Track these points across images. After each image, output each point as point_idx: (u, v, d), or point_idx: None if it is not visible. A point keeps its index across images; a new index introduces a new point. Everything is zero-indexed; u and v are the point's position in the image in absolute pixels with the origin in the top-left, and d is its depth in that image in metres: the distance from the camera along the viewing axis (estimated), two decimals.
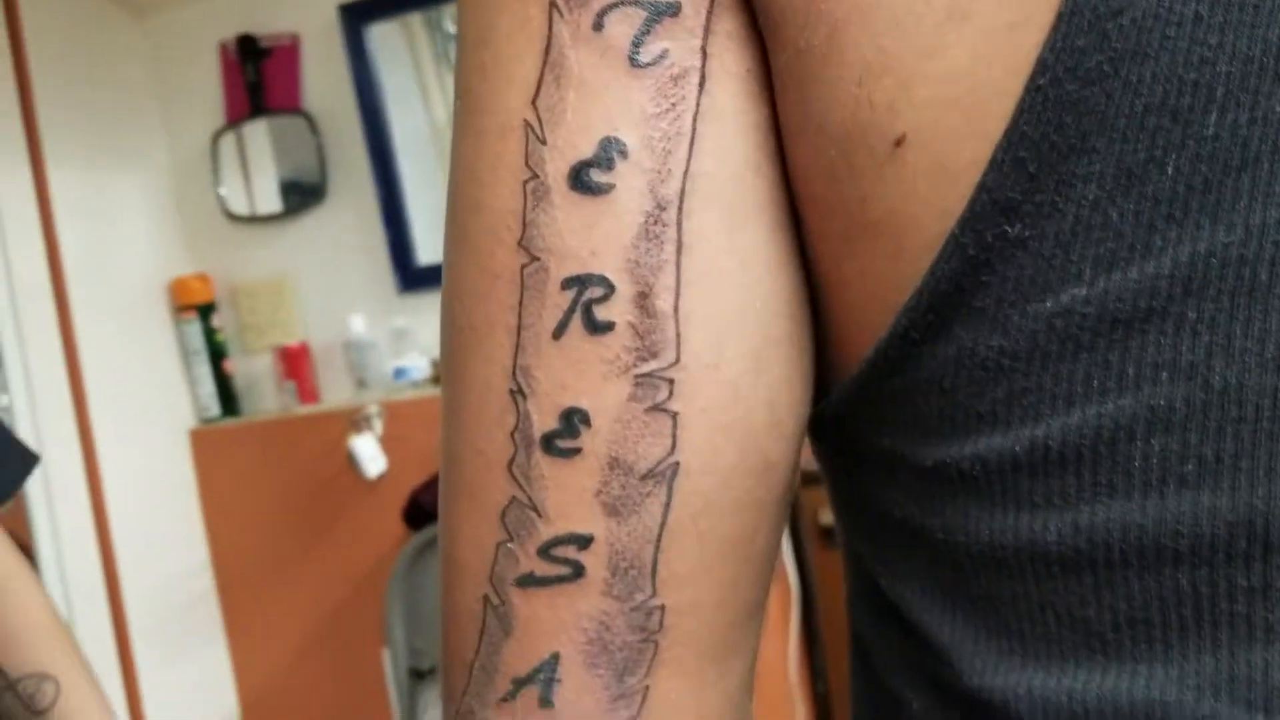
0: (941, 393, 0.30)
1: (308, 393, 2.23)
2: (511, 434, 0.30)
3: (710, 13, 0.29)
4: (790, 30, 0.28)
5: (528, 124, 0.29)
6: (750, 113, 0.30)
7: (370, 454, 2.08)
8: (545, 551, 0.30)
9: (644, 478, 0.29)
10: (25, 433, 1.82)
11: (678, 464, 0.29)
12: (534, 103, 0.29)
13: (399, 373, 2.14)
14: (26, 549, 1.77)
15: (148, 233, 2.25)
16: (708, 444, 0.30)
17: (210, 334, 2.25)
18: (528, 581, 0.30)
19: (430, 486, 2.04)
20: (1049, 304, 0.28)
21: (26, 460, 1.08)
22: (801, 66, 0.29)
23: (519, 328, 0.29)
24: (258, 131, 2.25)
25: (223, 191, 2.26)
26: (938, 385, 0.30)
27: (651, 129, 0.28)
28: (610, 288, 0.29)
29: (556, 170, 0.29)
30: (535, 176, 0.29)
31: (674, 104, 0.29)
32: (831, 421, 0.34)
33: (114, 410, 2.05)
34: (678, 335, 0.29)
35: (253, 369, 2.31)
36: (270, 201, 2.27)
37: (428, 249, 2.18)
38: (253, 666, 2.29)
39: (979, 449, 0.30)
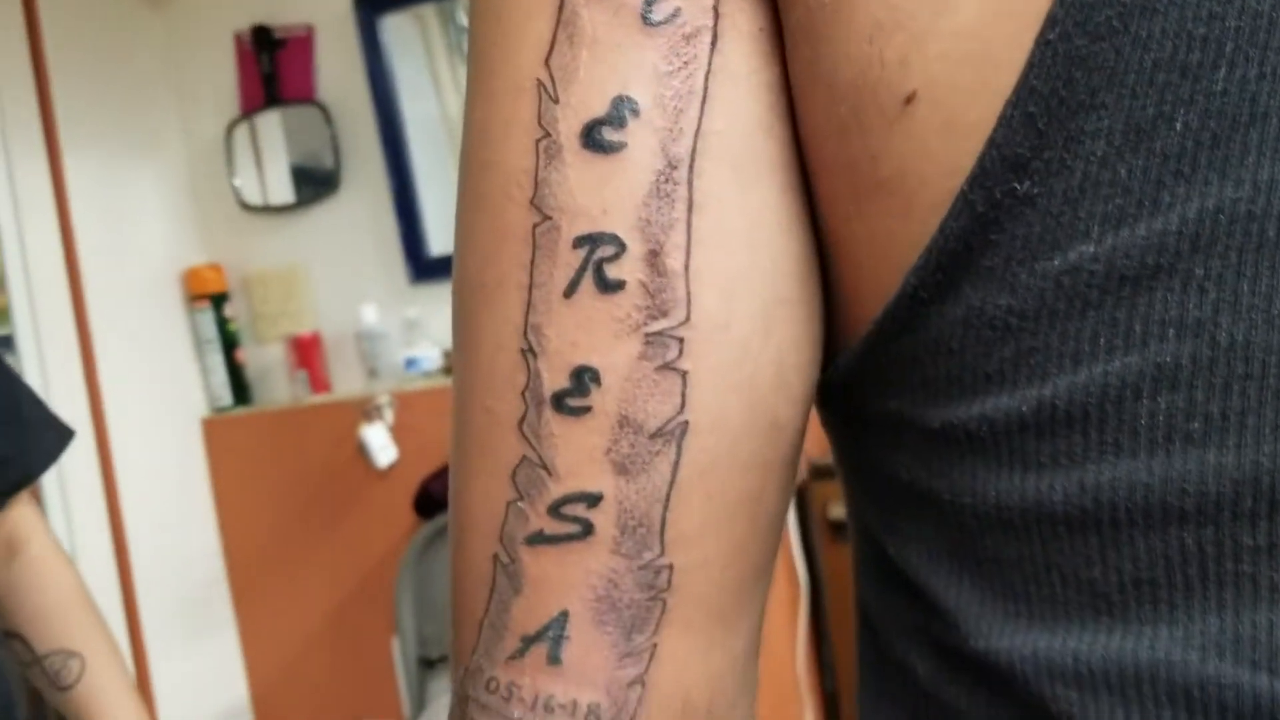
0: (949, 353, 0.30)
1: (319, 382, 2.24)
2: (522, 393, 0.30)
3: None
4: None
5: (540, 83, 0.29)
6: (762, 72, 0.30)
7: (381, 444, 2.09)
8: (555, 510, 0.30)
9: (653, 436, 0.29)
10: None
11: (687, 423, 0.29)
12: (547, 62, 0.29)
13: (410, 363, 2.15)
14: None
15: (162, 222, 2.26)
16: (717, 403, 0.30)
17: (223, 323, 2.26)
18: (537, 540, 0.30)
19: (440, 476, 2.04)
20: (1057, 262, 0.28)
21: (62, 435, 1.09)
22: (812, 24, 0.29)
23: (530, 286, 0.29)
24: (271, 122, 2.26)
25: (237, 182, 2.27)
26: (946, 346, 0.30)
27: (663, 87, 0.28)
28: (621, 246, 0.29)
29: (569, 129, 0.29)
30: (547, 135, 0.29)
31: (686, 63, 0.29)
32: (839, 388, 0.34)
33: (127, 398, 2.06)
34: (688, 294, 0.29)
35: (265, 358, 2.32)
36: (283, 191, 2.28)
37: (440, 240, 2.18)
38: (263, 654, 2.30)
39: (986, 409, 0.30)
